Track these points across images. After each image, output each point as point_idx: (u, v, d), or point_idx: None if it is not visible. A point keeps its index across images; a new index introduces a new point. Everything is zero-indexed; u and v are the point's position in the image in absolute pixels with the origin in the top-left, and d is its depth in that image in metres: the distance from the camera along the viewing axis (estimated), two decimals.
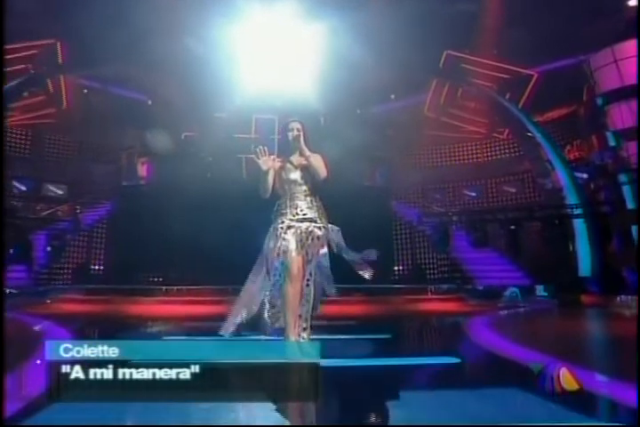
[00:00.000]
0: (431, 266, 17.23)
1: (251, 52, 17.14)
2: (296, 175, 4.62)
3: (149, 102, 18.04)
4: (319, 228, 4.55)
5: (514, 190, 18.51)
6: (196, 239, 13.39)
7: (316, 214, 4.59)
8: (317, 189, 4.72)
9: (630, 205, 15.03)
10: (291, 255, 4.38)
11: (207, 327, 6.51)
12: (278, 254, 4.41)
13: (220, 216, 13.48)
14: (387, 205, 17.27)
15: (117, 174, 17.56)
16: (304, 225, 4.54)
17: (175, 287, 11.73)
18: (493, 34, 16.37)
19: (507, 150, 19.20)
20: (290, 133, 4.64)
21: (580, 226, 14.75)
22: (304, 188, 4.61)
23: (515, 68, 17.63)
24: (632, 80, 14.98)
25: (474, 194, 19.39)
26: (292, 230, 4.48)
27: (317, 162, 4.53)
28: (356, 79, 16.66)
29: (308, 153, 4.51)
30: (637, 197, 12.16)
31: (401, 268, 17.61)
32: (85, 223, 16.68)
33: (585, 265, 14.51)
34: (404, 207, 18.32)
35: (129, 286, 11.86)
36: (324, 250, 4.55)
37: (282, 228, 4.50)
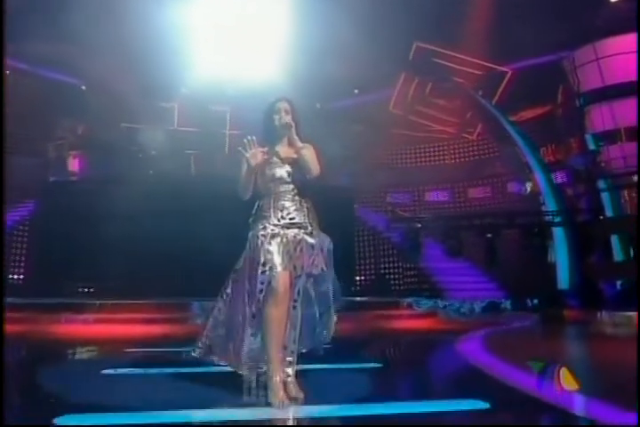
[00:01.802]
0: (397, 276, 16.77)
1: (203, 35, 16.24)
2: (283, 171, 3.92)
3: (83, 87, 16.83)
4: (310, 234, 3.85)
5: (486, 195, 18.35)
6: (137, 244, 12.42)
7: (307, 219, 3.90)
8: (307, 189, 4.02)
9: (609, 213, 15.02)
10: (275, 270, 3.65)
11: (154, 356, 5.69)
12: (261, 270, 3.67)
13: (164, 218, 12.59)
14: (349, 208, 16.71)
15: (44, 169, 16.30)
16: (292, 232, 3.84)
17: (111, 301, 10.68)
18: (467, 27, 16.08)
19: (478, 152, 19.04)
20: (276, 117, 3.93)
21: (558, 235, 14.60)
22: (292, 186, 3.91)
23: (488, 64, 17.42)
24: (614, 80, 15.01)
25: (443, 198, 19.14)
26: (278, 239, 3.76)
27: (310, 155, 3.85)
28: (317, 70, 16.08)
29: (299, 144, 3.82)
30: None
31: (362, 278, 17.06)
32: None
33: (563, 277, 14.35)
34: (368, 211, 17.82)
35: (54, 299, 10.71)
36: (319, 265, 3.85)
37: (264, 235, 3.78)
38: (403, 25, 15.35)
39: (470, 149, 19.09)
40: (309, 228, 3.85)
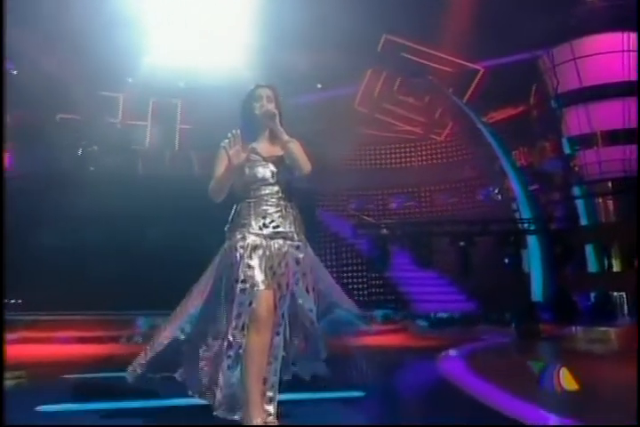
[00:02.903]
0: (360, 286, 16.49)
1: (154, 20, 15.55)
2: (266, 171, 3.51)
3: (15, 72, 15.95)
4: (297, 247, 3.46)
5: (455, 200, 18.30)
6: (75, 249, 11.73)
7: (293, 227, 3.50)
8: (293, 192, 3.64)
9: (584, 221, 15.14)
10: (257, 289, 3.23)
11: (100, 384, 5.15)
12: (239, 289, 3.25)
13: (106, 220, 11.95)
14: (309, 213, 16.35)
15: None
16: (276, 243, 3.42)
17: (44, 316, 9.91)
18: (440, 22, 15.96)
19: (447, 154, 19.01)
20: (257, 105, 3.51)
21: (532, 244, 14.60)
22: (276, 188, 3.50)
23: (460, 62, 17.38)
24: (591, 81, 15.16)
25: (409, 203, 19.03)
26: (260, 252, 3.34)
27: (299, 151, 3.44)
28: (277, 62, 15.68)
29: (286, 137, 3.42)
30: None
31: None
32: None
33: (537, 289, 14.36)
34: (330, 216, 17.50)
35: None
36: (306, 283, 3.47)
37: (243, 247, 3.35)
38: (372, 16, 15.10)
39: (439, 150, 19.04)
40: (296, 238, 3.46)
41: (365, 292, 16.37)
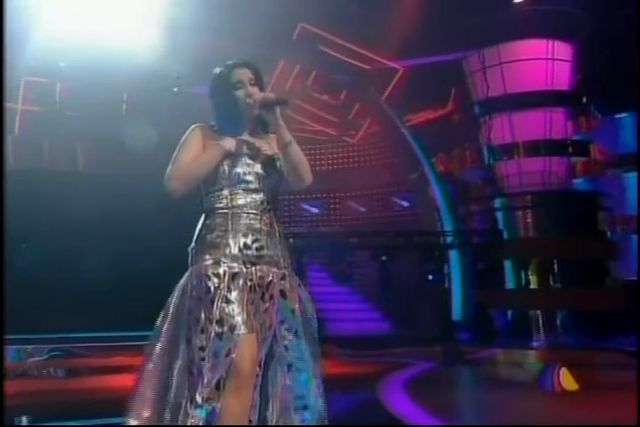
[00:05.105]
0: None
1: None
2: (250, 172, 2.93)
3: None
4: (283, 276, 2.91)
5: (368, 209, 18.21)
6: None
7: (279, 251, 2.93)
8: (280, 203, 3.10)
9: (505, 234, 15.43)
10: (238, 332, 2.65)
11: None
12: (214, 332, 2.64)
13: None
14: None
15: None
16: (258, 271, 2.85)
17: None
18: (363, 16, 15.78)
19: (359, 158, 18.92)
20: (239, 93, 2.94)
21: (453, 258, 14.69)
22: (261, 196, 2.93)
23: (380, 60, 17.28)
24: (515, 88, 15.54)
25: (315, 210, 18.74)
26: (239, 281, 2.75)
27: (302, 156, 2.96)
28: (176, 45, 14.82)
29: (288, 136, 2.88)
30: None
31: None
32: None
33: (457, 307, 14.46)
34: None
35: None
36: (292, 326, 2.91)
37: (216, 275, 2.75)
38: (289, 2, 14.62)
39: (352, 153, 18.92)
40: (282, 264, 2.88)
41: None
